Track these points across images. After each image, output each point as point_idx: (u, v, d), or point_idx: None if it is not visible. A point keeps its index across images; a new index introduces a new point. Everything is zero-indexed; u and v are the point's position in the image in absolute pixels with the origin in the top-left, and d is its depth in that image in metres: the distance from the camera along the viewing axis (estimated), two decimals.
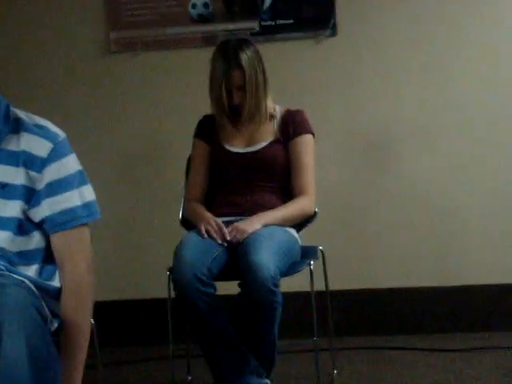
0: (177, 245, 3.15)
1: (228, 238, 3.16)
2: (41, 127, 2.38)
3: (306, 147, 3.39)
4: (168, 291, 3.20)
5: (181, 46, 4.11)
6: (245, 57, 3.31)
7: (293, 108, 3.45)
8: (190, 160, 3.56)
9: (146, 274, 4.12)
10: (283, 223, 3.27)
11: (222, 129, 3.44)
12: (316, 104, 3.98)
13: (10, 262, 2.28)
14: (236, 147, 3.40)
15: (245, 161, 3.36)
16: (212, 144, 3.45)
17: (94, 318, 2.40)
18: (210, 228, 3.19)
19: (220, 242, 3.16)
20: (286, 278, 3.12)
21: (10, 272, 2.22)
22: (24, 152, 2.32)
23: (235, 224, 3.20)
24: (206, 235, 3.17)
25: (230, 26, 4.07)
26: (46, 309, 2.19)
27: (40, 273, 2.34)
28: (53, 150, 2.34)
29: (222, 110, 3.37)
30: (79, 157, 2.43)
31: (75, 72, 4.17)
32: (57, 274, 2.38)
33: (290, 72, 4.03)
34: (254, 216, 3.24)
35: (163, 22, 4.11)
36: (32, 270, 2.32)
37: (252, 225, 3.19)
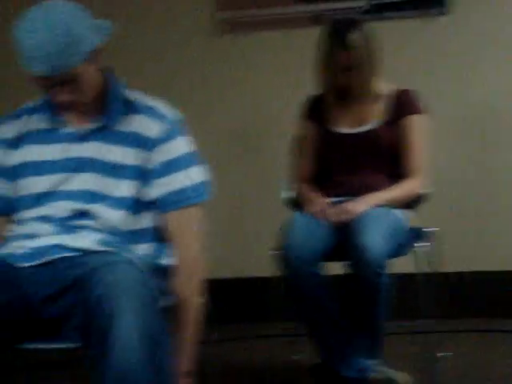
0: (284, 225, 3.17)
1: (335, 219, 3.15)
2: (153, 108, 2.42)
3: (415, 127, 3.35)
4: (276, 270, 3.23)
5: (287, 26, 4.11)
6: (353, 37, 3.28)
7: (401, 87, 3.41)
8: (295, 140, 3.56)
9: (254, 253, 4.16)
10: (392, 204, 3.25)
11: (329, 109, 3.43)
12: (427, 84, 3.92)
13: (123, 241, 2.34)
14: (344, 128, 3.39)
15: (353, 142, 3.34)
16: (318, 124, 3.44)
17: (206, 294, 2.44)
18: (317, 209, 3.19)
19: (327, 223, 3.16)
20: (395, 259, 3.10)
21: (123, 250, 2.28)
22: (137, 133, 2.37)
23: (343, 205, 3.20)
24: (314, 216, 3.17)
25: (338, 5, 4.04)
26: (156, 286, 2.23)
27: (151, 251, 2.40)
28: (164, 131, 2.38)
29: (330, 91, 3.36)
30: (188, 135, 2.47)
31: (182, 52, 4.22)
32: (166, 252, 2.42)
33: (399, 51, 3.99)
34: (362, 197, 3.23)
35: (270, 2, 4.12)
36: (143, 248, 2.38)
37: (360, 206, 3.18)
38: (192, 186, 2.41)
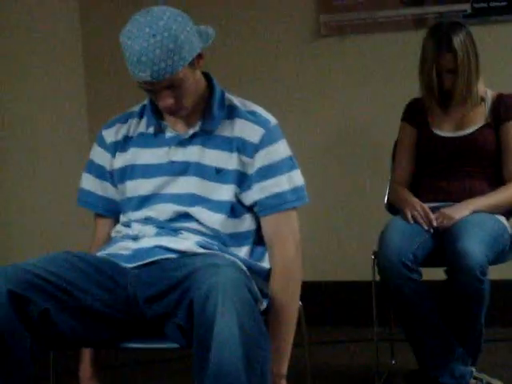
0: (383, 229, 3.17)
1: (435, 224, 3.14)
2: (253, 113, 2.46)
3: None
4: (373, 274, 3.23)
5: (390, 29, 4.09)
6: (457, 40, 3.25)
7: (505, 92, 3.37)
8: (397, 143, 3.55)
9: (351, 257, 4.16)
10: (492, 210, 3.21)
11: (430, 112, 3.40)
12: None
13: (224, 243, 2.39)
14: (445, 131, 3.36)
15: (454, 145, 3.31)
16: (420, 127, 3.42)
17: (301, 297, 2.46)
18: (416, 213, 3.17)
19: (426, 228, 3.14)
20: (496, 265, 3.07)
21: (224, 253, 2.33)
22: (237, 138, 2.41)
23: (442, 210, 3.18)
24: (412, 220, 3.16)
25: (442, 8, 4.00)
26: (256, 288, 2.27)
27: (251, 254, 2.44)
28: (264, 136, 2.41)
29: (432, 94, 3.34)
30: (288, 140, 2.50)
31: (285, 55, 4.24)
32: (266, 255, 2.46)
33: (502, 55, 3.92)
34: (462, 202, 3.20)
35: (373, 5, 4.10)
36: (243, 251, 2.42)
37: (460, 211, 3.15)
38: (291, 190, 2.44)
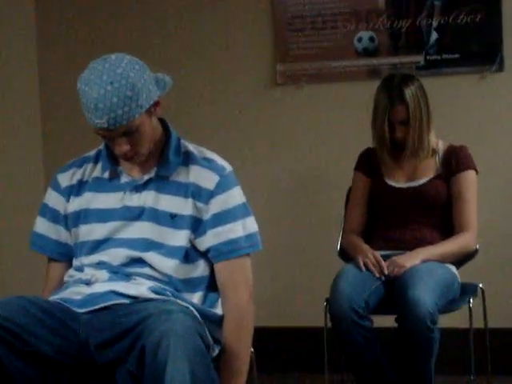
0: (335, 276, 3.19)
1: (386, 272, 3.18)
2: (209, 160, 2.48)
3: (469, 183, 3.37)
4: (324, 321, 3.25)
5: (345, 79, 4.15)
6: (409, 92, 3.32)
7: (456, 144, 3.44)
8: (350, 192, 3.60)
9: (303, 303, 4.17)
10: (443, 259, 3.26)
11: (383, 163, 3.46)
12: (481, 140, 3.93)
13: (177, 289, 2.39)
14: (397, 182, 3.42)
15: (406, 196, 3.37)
16: (372, 177, 3.47)
17: (253, 343, 2.47)
18: (367, 261, 3.21)
19: (378, 276, 3.18)
20: (444, 314, 3.11)
21: (176, 298, 2.33)
22: (193, 184, 2.43)
23: (393, 258, 3.22)
24: (363, 268, 3.20)
25: (395, 60, 4.08)
26: (209, 335, 2.28)
27: (204, 300, 2.44)
28: (219, 183, 2.44)
29: (384, 144, 3.39)
30: (242, 187, 2.52)
31: (242, 102, 4.27)
32: (219, 301, 2.47)
33: (454, 107, 4.00)
34: (413, 251, 3.24)
35: (328, 55, 4.17)
36: (196, 297, 2.42)
37: (411, 260, 3.19)
38: (245, 237, 2.46)
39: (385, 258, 3.24)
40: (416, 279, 3.06)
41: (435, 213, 3.36)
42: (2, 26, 4.22)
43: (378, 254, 3.25)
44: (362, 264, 3.20)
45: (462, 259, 3.38)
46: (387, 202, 3.40)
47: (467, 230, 3.33)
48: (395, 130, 3.35)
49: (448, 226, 3.36)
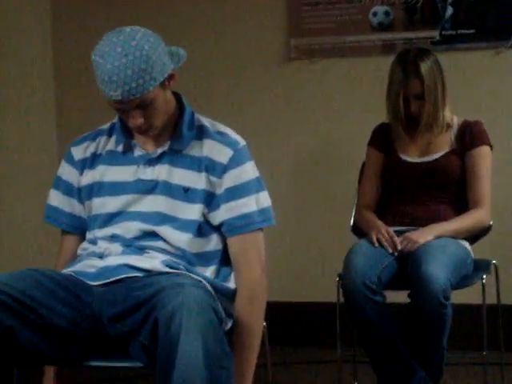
0: (347, 252, 3.19)
1: (399, 248, 3.17)
2: (222, 134, 2.48)
3: (483, 159, 3.35)
4: (337, 296, 3.25)
5: (359, 54, 4.13)
6: (424, 66, 3.30)
7: (471, 119, 3.42)
8: (363, 167, 3.59)
9: (316, 278, 4.18)
10: (456, 235, 3.25)
11: (397, 138, 3.44)
12: (494, 116, 3.91)
13: (190, 263, 2.40)
14: (411, 157, 3.40)
15: (419, 171, 3.35)
16: (386, 153, 3.46)
17: (265, 318, 2.47)
18: (381, 237, 3.20)
19: (391, 252, 3.17)
20: (457, 290, 3.11)
21: (190, 272, 2.34)
22: (206, 158, 2.43)
23: (407, 234, 3.21)
24: (376, 243, 3.19)
25: (411, 35, 4.06)
26: (221, 309, 2.28)
27: (217, 274, 2.45)
28: (233, 157, 2.43)
29: (399, 119, 3.37)
30: (256, 161, 2.52)
31: (256, 77, 4.27)
32: (232, 275, 2.47)
33: (469, 82, 3.98)
34: (427, 227, 3.23)
35: (343, 30, 4.15)
36: (209, 271, 2.43)
37: (424, 235, 3.18)
38: (259, 211, 2.45)
39: (398, 233, 3.23)
40: (429, 255, 3.05)
41: (449, 188, 3.34)
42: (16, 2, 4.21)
43: (392, 229, 3.24)
44: (375, 240, 3.19)
45: (475, 235, 3.37)
46: (401, 178, 3.38)
47: (481, 206, 3.32)
48: (410, 104, 3.33)
49: (462, 202, 3.35)
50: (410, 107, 3.34)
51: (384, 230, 3.22)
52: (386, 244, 3.18)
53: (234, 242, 2.44)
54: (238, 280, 2.42)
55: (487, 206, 3.33)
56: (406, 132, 3.41)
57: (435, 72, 3.32)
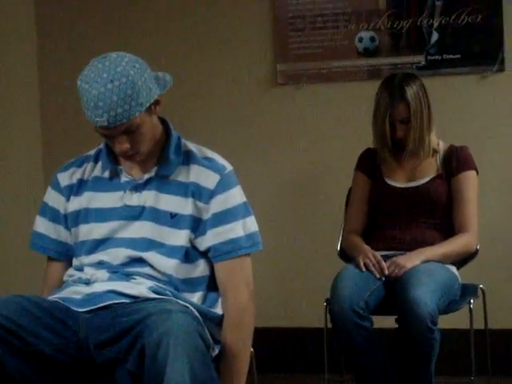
0: (335, 276, 3.19)
1: (386, 273, 3.17)
2: (209, 159, 2.48)
3: (469, 184, 3.36)
4: (325, 321, 3.25)
5: (345, 79, 4.15)
6: (410, 91, 3.32)
7: (457, 144, 3.43)
8: (350, 192, 3.59)
9: (304, 303, 4.17)
10: (444, 260, 3.25)
11: (383, 163, 3.45)
12: (480, 141, 3.92)
13: (177, 289, 2.38)
14: (397, 182, 3.41)
15: (406, 196, 3.36)
16: (373, 177, 3.47)
17: (253, 344, 2.46)
18: (368, 261, 3.20)
19: (378, 276, 3.17)
20: (445, 315, 3.10)
21: (176, 298, 2.33)
22: (193, 183, 2.43)
23: (394, 259, 3.21)
24: (363, 268, 3.19)
25: (396, 60, 4.08)
26: (209, 335, 2.27)
27: (204, 300, 2.44)
28: (220, 182, 2.43)
29: (385, 144, 3.39)
30: (243, 186, 2.52)
31: (243, 101, 4.27)
32: (219, 301, 2.46)
33: (455, 107, 4.00)
34: (414, 251, 3.24)
35: (329, 56, 4.16)
36: (196, 297, 2.42)
37: (411, 260, 3.19)
38: (246, 236, 2.45)
39: (385, 258, 3.23)
40: (416, 280, 3.05)
41: (436, 213, 3.35)
42: (1, 22, 4.20)
43: (379, 254, 3.24)
44: (362, 264, 3.19)
45: (462, 260, 3.37)
46: (387, 202, 3.39)
47: (468, 231, 3.32)
48: (396, 128, 3.34)
49: (449, 227, 3.35)
50: (396, 132, 3.35)
51: (371, 255, 3.22)
52: (372, 269, 3.18)
53: (221, 268, 2.43)
54: (225, 305, 2.41)
55: (474, 231, 3.34)
56: (392, 157, 3.41)
57: (421, 96, 3.34)
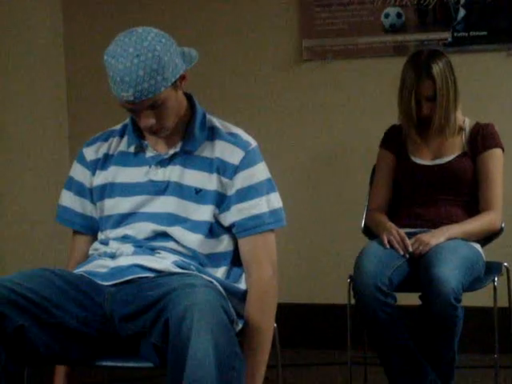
0: (359, 253, 3.19)
1: (410, 250, 3.16)
2: (234, 135, 2.48)
3: (495, 161, 3.34)
4: (348, 298, 3.25)
5: (371, 55, 4.13)
6: (436, 68, 3.29)
7: (482, 121, 3.41)
8: (375, 169, 3.58)
9: (327, 280, 4.17)
10: (468, 237, 3.24)
11: (409, 140, 3.44)
12: (506, 118, 3.90)
13: (201, 264, 2.40)
14: (423, 159, 3.39)
15: (431, 173, 3.34)
16: (398, 155, 3.45)
17: (276, 319, 2.47)
18: (392, 238, 3.20)
19: (402, 253, 3.17)
20: (469, 293, 3.10)
21: (200, 273, 2.34)
22: (218, 159, 2.43)
23: (418, 236, 3.20)
24: (388, 245, 3.19)
25: (423, 37, 4.05)
26: (232, 309, 2.28)
27: (228, 275, 2.45)
28: (244, 158, 2.43)
29: (411, 121, 3.37)
30: (267, 163, 2.52)
31: (268, 78, 4.26)
32: (243, 276, 2.47)
33: (481, 84, 3.96)
34: (439, 229, 3.23)
35: (355, 31, 4.14)
36: (220, 272, 2.43)
37: (436, 237, 3.18)
38: (269, 212, 2.45)
39: (410, 235, 3.22)
40: (440, 257, 3.05)
41: (461, 191, 3.34)
42: (27, 4, 4.22)
43: (403, 231, 3.23)
44: (386, 241, 3.19)
45: (487, 237, 3.36)
46: (412, 180, 3.38)
47: (492, 209, 3.31)
48: (422, 106, 3.32)
49: (474, 204, 3.34)
50: (422, 109, 3.33)
51: (395, 232, 3.22)
52: (397, 246, 3.18)
53: (244, 243, 2.44)
54: (249, 281, 2.42)
55: (499, 209, 3.32)
56: (417, 134, 3.40)
57: (447, 74, 3.32)
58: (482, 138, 3.35)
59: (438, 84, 3.28)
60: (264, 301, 2.40)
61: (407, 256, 3.17)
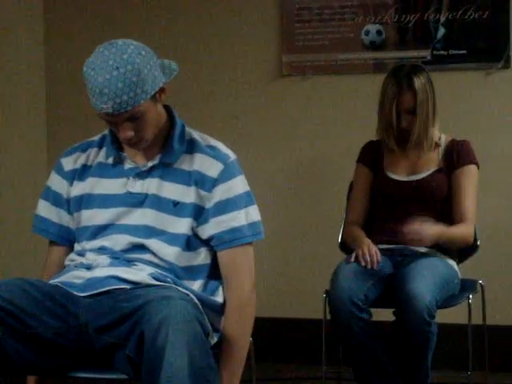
0: (335, 268, 3.20)
1: (375, 267, 3.13)
2: (213, 148, 2.48)
3: (470, 177, 3.37)
4: (324, 313, 3.26)
5: (351, 72, 4.15)
6: (418, 81, 3.32)
7: (458, 138, 3.44)
8: (352, 184, 3.60)
9: (303, 294, 4.18)
10: (447, 241, 3.25)
11: (386, 155, 3.46)
12: (485, 136, 3.93)
13: (178, 276, 2.40)
14: (398, 175, 3.41)
15: (408, 189, 3.36)
16: (375, 170, 3.47)
17: (252, 333, 2.47)
18: (360, 253, 3.17)
19: (369, 267, 3.14)
20: (444, 310, 3.11)
21: (177, 285, 2.34)
22: (196, 172, 2.43)
23: (411, 227, 3.17)
24: (353, 259, 3.17)
25: (402, 54, 4.08)
26: (208, 322, 2.28)
27: (204, 287, 2.45)
28: (223, 171, 2.44)
29: (390, 133, 3.38)
30: (246, 176, 2.52)
31: (247, 92, 4.28)
32: (220, 289, 2.47)
33: (459, 102, 4.00)
34: (427, 223, 3.20)
35: (335, 48, 4.17)
36: (197, 285, 2.43)
37: (426, 229, 3.15)
38: (248, 225, 2.46)
39: (385, 251, 3.23)
40: (416, 273, 3.06)
41: (436, 206, 3.36)
42: (8, 10, 4.21)
43: (377, 248, 3.21)
44: (353, 258, 3.16)
45: (462, 255, 3.38)
46: (389, 196, 3.39)
47: (465, 222, 3.32)
48: (401, 118, 3.34)
49: (448, 220, 3.35)
50: (402, 121, 3.34)
51: (366, 248, 3.16)
52: (360, 259, 3.13)
53: (223, 256, 2.44)
54: (228, 293, 2.43)
55: (472, 223, 3.34)
56: (394, 150, 3.41)
57: (428, 88, 3.34)
58: (457, 155, 3.37)
59: (418, 97, 3.30)
60: (242, 314, 2.41)
61: (384, 272, 3.17)
